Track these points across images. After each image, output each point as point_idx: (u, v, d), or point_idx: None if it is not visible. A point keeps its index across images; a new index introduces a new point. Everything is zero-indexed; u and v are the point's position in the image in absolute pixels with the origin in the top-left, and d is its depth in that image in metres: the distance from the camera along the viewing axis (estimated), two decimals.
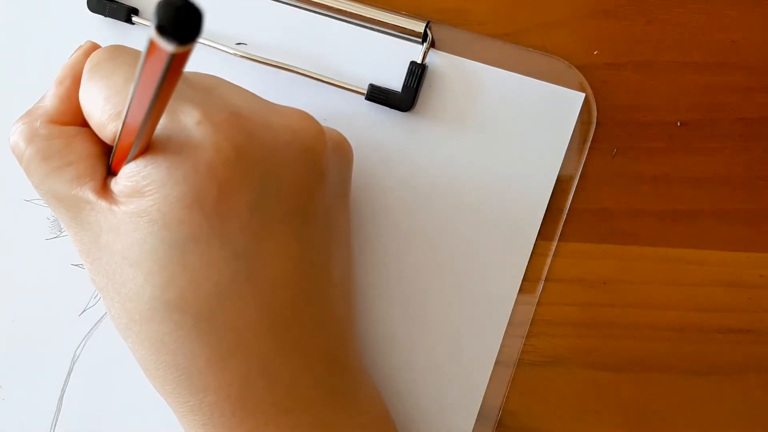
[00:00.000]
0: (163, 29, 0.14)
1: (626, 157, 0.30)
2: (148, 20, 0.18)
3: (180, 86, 0.23)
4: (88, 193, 0.23)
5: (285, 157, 0.23)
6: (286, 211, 0.24)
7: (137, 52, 0.25)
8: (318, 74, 0.30)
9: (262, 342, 0.23)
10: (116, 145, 0.22)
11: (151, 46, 0.15)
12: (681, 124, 0.29)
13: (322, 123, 0.25)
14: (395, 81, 0.30)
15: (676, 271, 0.30)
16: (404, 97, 0.30)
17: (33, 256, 0.32)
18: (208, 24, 0.30)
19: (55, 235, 0.32)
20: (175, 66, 0.16)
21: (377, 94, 0.30)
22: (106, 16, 0.31)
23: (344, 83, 0.30)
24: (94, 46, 0.26)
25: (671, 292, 0.30)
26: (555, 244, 0.30)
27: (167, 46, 0.14)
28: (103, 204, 0.23)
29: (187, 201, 0.21)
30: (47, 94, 0.25)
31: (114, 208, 0.22)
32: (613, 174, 0.30)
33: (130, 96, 0.19)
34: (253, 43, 0.31)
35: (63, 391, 0.32)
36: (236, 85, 0.26)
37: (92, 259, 0.24)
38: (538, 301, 0.30)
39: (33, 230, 0.32)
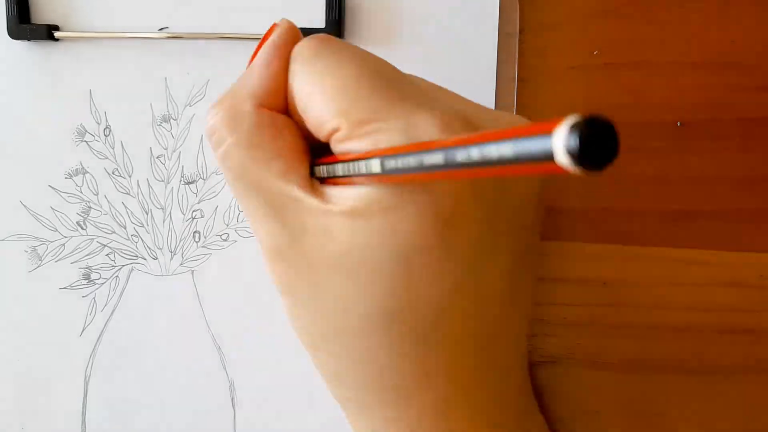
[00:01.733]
0: (579, 154, 0.11)
1: (626, 157, 0.30)
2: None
3: (407, 85, 0.21)
4: (298, 190, 0.21)
5: None
6: (510, 225, 0.22)
7: (359, 50, 0.22)
8: (242, 33, 0.30)
9: (467, 358, 0.22)
10: (354, 173, 0.20)
11: (543, 160, 0.12)
12: (681, 124, 0.29)
13: None
14: (317, 20, 0.30)
15: (676, 271, 0.30)
16: (331, 31, 0.30)
17: (20, 291, 0.32)
18: (132, 16, 0.31)
19: (36, 266, 0.32)
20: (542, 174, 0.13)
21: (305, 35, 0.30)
22: (29, 39, 0.31)
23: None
24: (292, 27, 0.23)
25: (671, 292, 0.30)
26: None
27: (572, 167, 0.12)
28: (314, 202, 0.21)
29: (419, 209, 0.20)
30: (252, 74, 0.23)
31: (329, 208, 0.21)
32: (613, 174, 0.30)
33: (419, 165, 0.16)
34: (174, 24, 0.31)
35: (83, 414, 0.32)
36: (445, 89, 0.24)
37: (287, 262, 0.22)
38: (537, 301, 0.30)
39: (13, 266, 0.32)
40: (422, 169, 0.16)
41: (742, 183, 0.29)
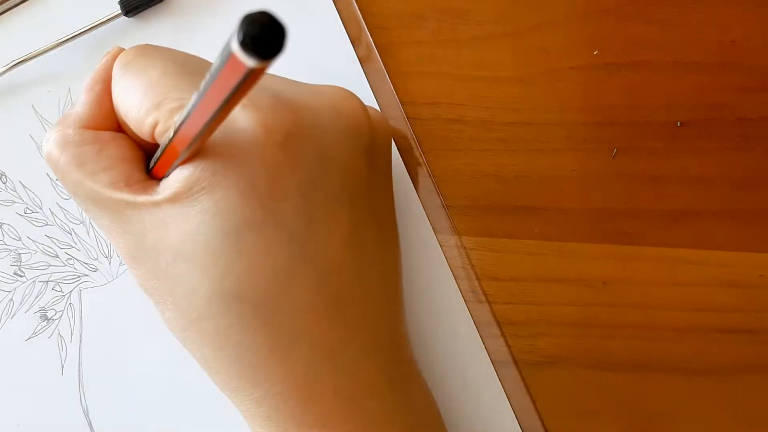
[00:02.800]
0: (246, 45, 0.14)
1: (626, 157, 0.30)
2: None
3: None
4: (126, 195, 0.22)
5: (331, 137, 0.23)
6: (335, 191, 0.23)
7: (167, 49, 0.24)
8: (70, 34, 0.31)
9: (323, 325, 0.23)
10: (163, 149, 0.22)
11: (231, 59, 0.14)
12: (681, 124, 0.29)
13: None
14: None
15: (676, 271, 0.30)
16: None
17: None
18: None
19: None
20: (250, 81, 0.15)
21: (133, 3, 0.31)
22: None
23: (99, 20, 0.31)
24: (121, 50, 0.25)
25: (671, 292, 0.30)
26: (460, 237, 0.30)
27: (249, 62, 0.14)
28: (144, 199, 0.22)
29: (240, 186, 0.21)
30: (78, 102, 0.25)
31: (159, 201, 0.22)
32: (613, 174, 0.30)
33: (190, 106, 0.18)
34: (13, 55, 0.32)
35: None
36: (269, 73, 0.26)
37: (139, 263, 0.23)
38: (537, 302, 0.30)
39: None
40: (193, 110, 0.18)
41: (742, 183, 0.29)
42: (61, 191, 0.32)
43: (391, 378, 0.25)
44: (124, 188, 0.23)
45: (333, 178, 0.23)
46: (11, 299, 0.32)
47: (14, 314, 0.32)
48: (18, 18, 0.32)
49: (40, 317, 0.32)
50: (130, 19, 0.32)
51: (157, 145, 0.23)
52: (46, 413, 0.31)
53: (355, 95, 0.25)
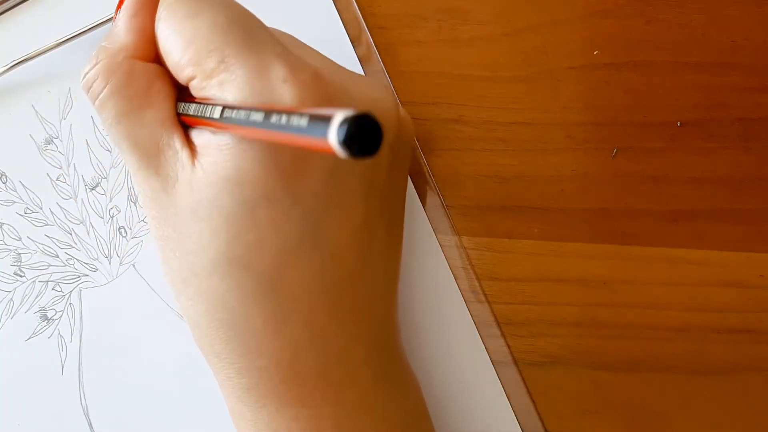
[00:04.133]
0: (346, 143, 0.14)
1: (626, 157, 0.30)
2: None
3: (264, 35, 0.22)
4: (173, 140, 0.22)
5: None
6: (355, 180, 0.23)
7: None
8: (68, 35, 0.31)
9: (318, 310, 0.23)
10: (200, 116, 0.22)
11: (320, 141, 0.15)
12: (681, 124, 0.29)
13: None
14: None
15: (676, 271, 0.30)
16: None
17: None
18: None
19: None
20: (322, 151, 0.15)
21: None
22: None
23: (99, 20, 0.31)
24: None
25: (671, 292, 0.30)
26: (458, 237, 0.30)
27: (340, 153, 0.14)
28: (185, 154, 0.22)
29: (264, 160, 0.21)
30: (120, 27, 0.24)
31: (193, 161, 0.22)
32: (613, 174, 0.30)
33: (246, 119, 0.18)
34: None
35: None
36: (310, 47, 0.25)
37: (159, 207, 0.23)
38: (538, 302, 0.30)
39: None
40: (249, 124, 0.18)
41: (742, 183, 0.29)
42: (61, 191, 0.32)
43: (376, 369, 0.25)
44: (171, 131, 0.22)
45: (356, 167, 0.23)
46: (11, 299, 0.32)
47: (14, 314, 0.32)
48: (18, 18, 0.32)
49: (40, 317, 0.32)
50: None
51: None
52: (46, 413, 0.31)
53: (390, 89, 0.25)
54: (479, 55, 0.30)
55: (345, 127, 0.14)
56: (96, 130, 0.32)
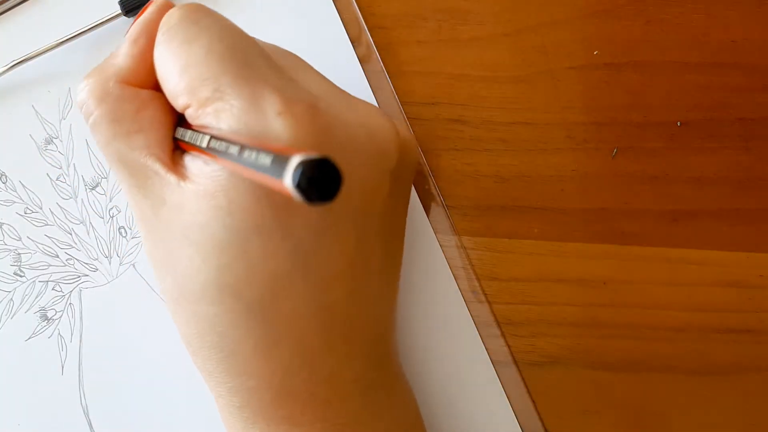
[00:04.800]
0: (300, 188, 0.14)
1: (626, 157, 0.30)
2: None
3: (261, 64, 0.22)
4: (157, 165, 0.22)
5: (359, 157, 0.23)
6: (351, 209, 0.23)
7: (219, 19, 0.23)
8: (71, 34, 0.31)
9: (310, 335, 0.23)
10: (192, 143, 0.22)
11: (278, 182, 0.15)
12: (681, 124, 0.29)
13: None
14: None
15: (676, 271, 0.30)
16: None
17: None
18: None
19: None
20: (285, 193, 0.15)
21: (133, 3, 0.31)
22: None
23: (99, 20, 0.31)
24: (168, 4, 0.24)
25: (671, 292, 0.30)
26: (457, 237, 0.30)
27: (295, 196, 0.14)
28: (171, 178, 0.22)
29: (256, 192, 0.21)
30: (120, 52, 0.24)
31: (182, 185, 0.22)
32: (613, 174, 0.30)
33: (225, 150, 0.19)
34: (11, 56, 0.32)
35: None
36: (312, 68, 0.25)
37: (150, 229, 0.23)
38: (538, 302, 0.30)
39: None
40: (227, 156, 0.18)
41: (742, 183, 0.29)
42: (61, 191, 0.32)
43: (367, 385, 0.25)
44: (156, 156, 0.22)
45: (353, 197, 0.23)
46: (11, 299, 0.32)
47: (14, 314, 0.32)
48: (18, 18, 0.32)
49: (40, 317, 0.32)
50: (130, 19, 0.32)
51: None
52: (46, 413, 0.31)
53: (388, 117, 0.25)
54: (479, 55, 0.30)
55: (299, 172, 0.14)
56: None
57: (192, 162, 0.22)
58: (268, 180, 0.15)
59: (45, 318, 0.32)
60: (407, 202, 0.29)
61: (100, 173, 0.32)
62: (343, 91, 0.25)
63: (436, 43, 0.31)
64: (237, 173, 0.20)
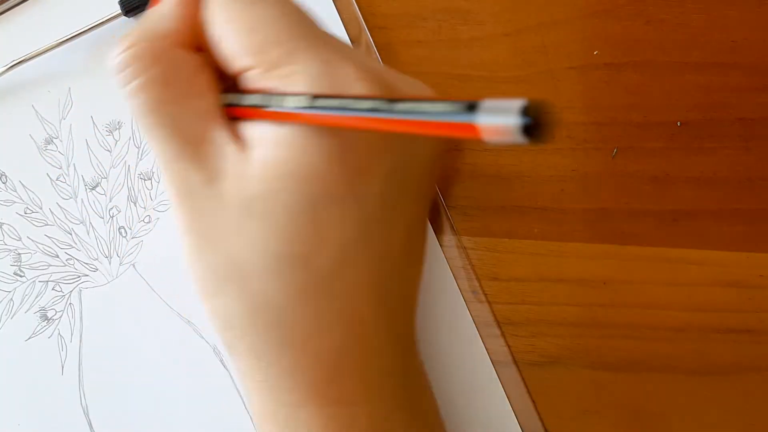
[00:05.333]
0: (526, 128, 0.14)
1: (626, 157, 0.30)
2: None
3: (329, 35, 0.22)
4: (222, 133, 0.22)
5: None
6: (413, 184, 0.23)
7: None
8: (71, 34, 0.31)
9: (365, 309, 0.23)
10: (257, 104, 0.21)
11: (467, 126, 0.15)
12: (681, 124, 0.29)
13: None
14: None
15: (676, 271, 0.30)
16: None
17: None
18: None
19: None
20: (461, 138, 0.16)
21: (133, 3, 0.31)
22: None
23: (99, 20, 0.31)
24: None
25: (671, 292, 0.30)
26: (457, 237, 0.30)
27: (518, 139, 0.15)
28: (233, 148, 0.21)
29: (330, 158, 0.20)
30: (165, 12, 0.23)
31: (246, 155, 0.21)
32: (613, 174, 0.30)
33: (345, 106, 0.18)
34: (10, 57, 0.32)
35: None
36: (353, 48, 0.25)
37: (195, 205, 0.22)
38: (538, 302, 0.30)
39: None
40: (355, 112, 0.18)
41: (742, 183, 0.29)
42: (61, 191, 0.32)
43: (405, 367, 0.25)
44: (218, 123, 0.22)
45: (415, 170, 0.23)
46: (11, 299, 0.32)
47: (14, 314, 0.32)
48: (18, 18, 0.32)
49: (40, 317, 0.32)
50: (130, 19, 0.32)
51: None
52: (46, 413, 0.31)
53: (432, 90, 0.25)
54: (479, 55, 0.30)
55: (523, 111, 0.14)
56: (96, 130, 0.32)
57: (251, 130, 0.21)
58: (445, 128, 0.16)
59: (45, 318, 0.32)
60: (435, 186, 0.29)
61: (100, 173, 0.32)
62: (406, 76, 0.25)
63: (436, 43, 0.31)
64: (352, 128, 0.20)
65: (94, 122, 0.32)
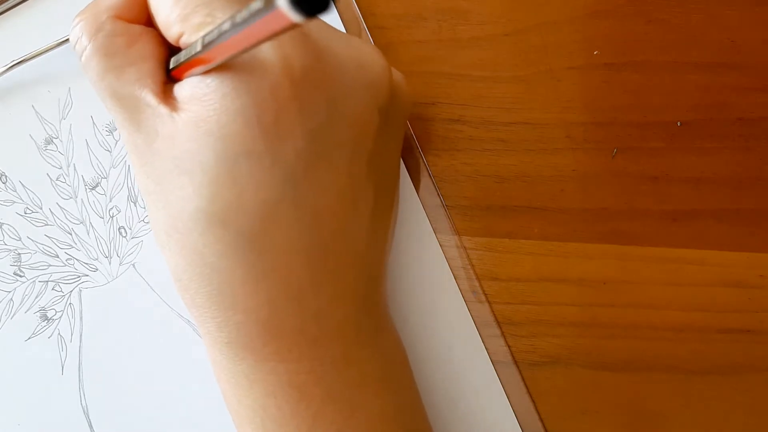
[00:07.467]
0: (297, 3, 0.14)
1: (626, 157, 0.30)
2: None
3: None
4: (149, 97, 0.23)
5: (349, 88, 0.23)
6: (340, 141, 0.23)
7: None
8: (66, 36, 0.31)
9: (297, 269, 0.23)
10: (187, 58, 0.22)
11: (276, 12, 0.15)
12: (681, 124, 0.29)
13: None
14: None
15: (676, 271, 0.30)
16: None
17: None
18: None
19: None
20: (286, 29, 0.16)
21: None
22: None
23: None
24: None
25: (671, 292, 0.30)
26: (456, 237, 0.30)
27: (295, 17, 0.14)
28: (163, 110, 0.22)
29: (246, 115, 0.21)
30: None
31: (174, 115, 0.22)
32: (613, 174, 0.30)
33: (219, 32, 0.19)
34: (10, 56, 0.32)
35: None
36: None
37: (143, 162, 0.24)
38: (538, 302, 0.30)
39: None
40: (223, 38, 0.18)
41: (742, 183, 0.29)
42: (61, 191, 0.32)
43: (359, 327, 0.25)
44: (149, 88, 0.23)
45: (341, 127, 0.23)
46: (11, 299, 0.32)
47: (14, 314, 0.32)
48: (18, 18, 0.32)
49: (40, 317, 0.32)
50: None
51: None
52: (46, 413, 0.31)
53: (381, 54, 0.25)
54: (479, 55, 0.30)
55: None
56: (96, 130, 0.32)
57: (182, 90, 0.22)
58: (268, 23, 0.16)
59: (45, 318, 0.32)
60: (400, 148, 0.28)
61: (100, 173, 0.32)
62: (337, 30, 0.25)
63: (436, 43, 0.31)
64: (240, 49, 0.20)
65: (94, 122, 0.32)
